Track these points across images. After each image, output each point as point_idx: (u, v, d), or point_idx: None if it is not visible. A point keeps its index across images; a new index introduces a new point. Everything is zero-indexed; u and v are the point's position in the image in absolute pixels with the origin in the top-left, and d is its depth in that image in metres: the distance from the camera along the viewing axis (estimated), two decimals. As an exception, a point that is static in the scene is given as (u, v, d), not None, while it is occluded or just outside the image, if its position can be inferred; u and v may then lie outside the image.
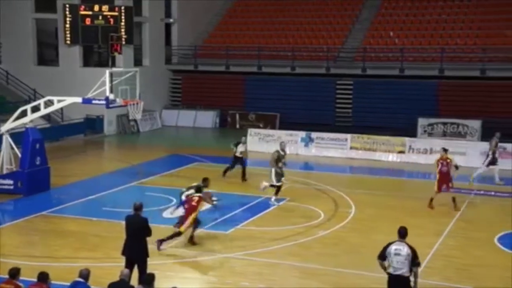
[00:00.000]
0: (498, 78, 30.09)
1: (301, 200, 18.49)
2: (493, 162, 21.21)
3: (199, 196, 14.16)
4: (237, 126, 33.55)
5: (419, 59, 31.93)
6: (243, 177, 20.97)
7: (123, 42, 23.10)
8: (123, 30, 30.99)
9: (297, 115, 32.10)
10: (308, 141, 26.83)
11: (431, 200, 17.75)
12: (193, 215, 13.90)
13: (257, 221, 16.44)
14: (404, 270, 9.59)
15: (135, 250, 11.43)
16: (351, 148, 26.22)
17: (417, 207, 18.10)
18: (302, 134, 26.98)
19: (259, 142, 27.21)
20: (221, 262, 13.51)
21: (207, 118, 34.63)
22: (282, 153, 18.49)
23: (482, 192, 20.17)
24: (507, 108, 29.86)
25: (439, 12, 34.45)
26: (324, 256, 13.78)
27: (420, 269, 9.83)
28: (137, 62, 33.05)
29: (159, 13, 35.48)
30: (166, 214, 16.44)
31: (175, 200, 17.29)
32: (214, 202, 15.93)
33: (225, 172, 21.18)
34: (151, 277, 9.42)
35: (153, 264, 11.87)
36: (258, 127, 31.15)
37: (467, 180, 20.85)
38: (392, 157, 25.53)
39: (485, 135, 28.07)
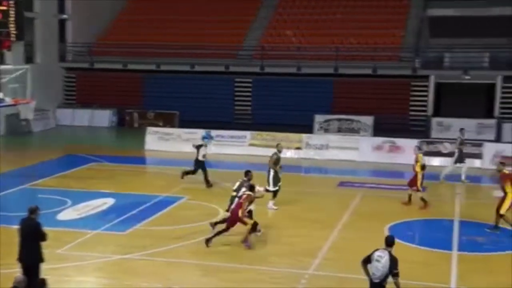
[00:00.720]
0: (388, 76, 31.54)
1: (201, 198, 18.50)
2: (460, 159, 21.57)
3: (248, 194, 14.27)
4: (135, 125, 33.06)
5: (315, 57, 32.83)
6: (208, 183, 19.96)
7: (13, 39, 22.09)
8: (12, 25, 29.52)
9: (196, 113, 32.05)
10: (208, 139, 26.82)
11: (423, 199, 17.80)
12: (239, 213, 13.92)
13: (156, 221, 16.28)
14: (380, 278, 9.63)
15: (28, 255, 10.99)
16: (250, 145, 26.56)
17: (314, 201, 18.64)
18: (202, 132, 26.96)
19: (159, 141, 26.97)
20: (119, 263, 13.27)
21: (103, 117, 33.87)
22: (280, 155, 18.27)
23: (373, 185, 21.06)
24: (397, 105, 31.41)
25: (334, 12, 35.55)
26: (225, 254, 13.87)
27: (399, 279, 9.62)
28: (29, 59, 31.74)
29: (52, 9, 34.23)
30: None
31: (70, 202, 16.78)
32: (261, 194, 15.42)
33: (185, 174, 20.01)
34: (42, 282, 9.08)
35: (49, 268, 11.45)
36: (157, 125, 30.83)
37: (355, 174, 21.66)
38: (290, 153, 26.06)
39: (377, 131, 29.40)
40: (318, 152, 25.75)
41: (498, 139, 28.58)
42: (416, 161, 17.96)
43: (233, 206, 14.32)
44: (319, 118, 31.26)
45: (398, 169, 23.44)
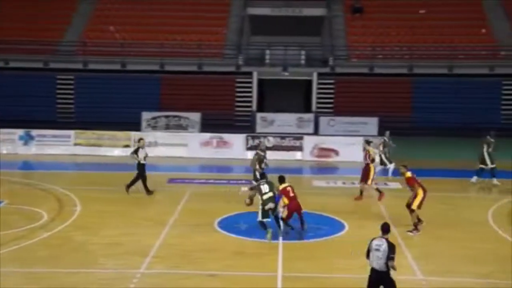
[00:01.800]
0: (213, 73, 32.14)
1: (21, 202, 17.42)
2: (384, 162, 22.11)
3: (290, 186, 14.89)
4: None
5: (141, 54, 32.42)
6: (148, 189, 18.52)
7: None
8: None
9: (14, 112, 30.08)
10: (27, 139, 25.39)
11: (378, 190, 18.13)
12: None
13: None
14: (381, 265, 9.93)
15: None
16: (75, 144, 25.59)
17: (144, 199, 18.41)
18: (20, 132, 25.43)
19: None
20: None
21: None
22: (262, 154, 17.37)
23: (203, 181, 21.33)
24: (223, 101, 32.14)
25: (159, 8, 35.34)
26: (49, 259, 13.18)
27: (394, 263, 9.92)
28: None
29: None
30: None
31: None
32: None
33: (130, 185, 18.39)
34: None
35: None
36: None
37: (185, 170, 21.82)
38: (118, 152, 25.55)
39: (205, 127, 29.84)
40: (147, 149, 25.41)
41: (316, 132, 30.44)
42: (368, 156, 18.33)
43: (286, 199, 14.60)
44: (146, 116, 30.95)
45: (226, 164, 24.02)
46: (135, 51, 32.43)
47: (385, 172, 22.18)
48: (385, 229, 10.25)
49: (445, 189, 19.68)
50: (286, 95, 33.64)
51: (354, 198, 18.56)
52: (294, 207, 14.80)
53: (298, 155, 25.18)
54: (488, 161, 20.43)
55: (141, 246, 13.88)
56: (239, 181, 21.33)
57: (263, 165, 17.53)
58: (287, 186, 15.01)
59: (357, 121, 30.56)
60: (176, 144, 25.72)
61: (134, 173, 18.62)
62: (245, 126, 31.06)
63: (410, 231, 15.16)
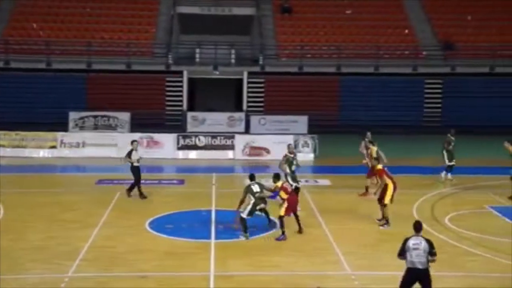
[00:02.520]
0: (143, 72, 31.72)
1: None
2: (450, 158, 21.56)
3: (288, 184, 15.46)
4: None
5: (67, 52, 31.57)
6: (142, 192, 18.19)
7: None
8: None
9: None
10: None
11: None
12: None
13: None
14: (422, 263, 10.02)
15: None
16: (-2, 145, 24.66)
17: (72, 201, 17.97)
18: None
19: None
20: None
21: None
22: (291, 155, 17.01)
23: (133, 181, 20.95)
24: (153, 100, 31.79)
25: (84, 6, 34.53)
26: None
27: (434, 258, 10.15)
28: None
29: None
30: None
31: None
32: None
33: (130, 189, 18.20)
34: None
35: None
36: None
37: (114, 170, 21.43)
38: (43, 153, 24.86)
39: (135, 127, 29.41)
40: (74, 151, 24.91)
41: (247, 131, 30.58)
42: (370, 155, 18.41)
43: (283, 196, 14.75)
44: (73, 115, 30.17)
45: (157, 164, 23.77)
46: (61, 50, 31.55)
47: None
48: (418, 227, 10.36)
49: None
50: (217, 94, 33.62)
51: (359, 194, 18.71)
52: (292, 202, 14.96)
53: (230, 154, 25.22)
54: (446, 158, 20.87)
55: (69, 250, 13.55)
56: (171, 181, 21.18)
57: (293, 167, 17.18)
58: (284, 183, 15.30)
59: (287, 120, 30.91)
60: (105, 145, 25.22)
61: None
62: (176, 125, 30.83)
63: (382, 225, 15.61)
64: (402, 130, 28.79)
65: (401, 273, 12.56)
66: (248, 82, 32.56)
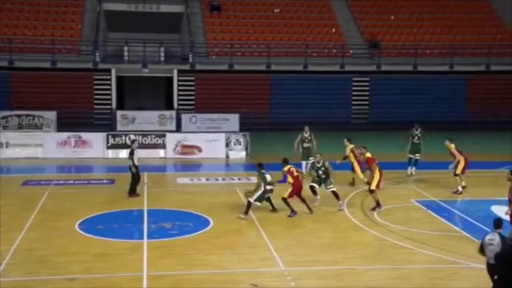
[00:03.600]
0: (69, 70, 30.91)
1: None
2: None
3: (293, 167, 16.21)
4: None
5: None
6: (135, 191, 18.32)
7: None
8: None
9: None
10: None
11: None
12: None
13: None
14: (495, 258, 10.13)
15: None
16: None
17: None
18: None
19: None
20: None
21: None
22: (317, 164, 17.22)
23: (61, 182, 20.45)
24: (81, 99, 31.04)
25: (3, 1, 33.28)
26: None
27: None
28: None
29: None
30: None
31: None
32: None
33: (133, 190, 18.24)
34: None
35: None
36: None
37: (41, 171, 20.85)
38: (-37, 154, 23.82)
39: (61, 126, 28.65)
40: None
41: (178, 129, 30.35)
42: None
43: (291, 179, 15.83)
44: (-5, 115, 29.08)
45: (86, 164, 23.24)
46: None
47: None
48: (498, 224, 10.60)
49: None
50: (146, 93, 33.19)
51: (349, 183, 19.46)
52: (298, 186, 16.19)
53: (161, 152, 24.95)
54: (408, 151, 21.40)
55: (-6, 254, 13.05)
56: (101, 181, 20.76)
57: (320, 172, 17.19)
58: (290, 167, 16.34)
59: (219, 118, 30.90)
60: (30, 145, 24.45)
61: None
62: (105, 124, 30.22)
63: (373, 209, 16.65)
64: (331, 127, 29.33)
65: (332, 268, 12.83)
66: (179, 80, 32.31)
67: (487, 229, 12.89)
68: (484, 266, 10.51)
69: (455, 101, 33.36)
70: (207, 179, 21.18)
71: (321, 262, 13.06)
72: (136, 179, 18.41)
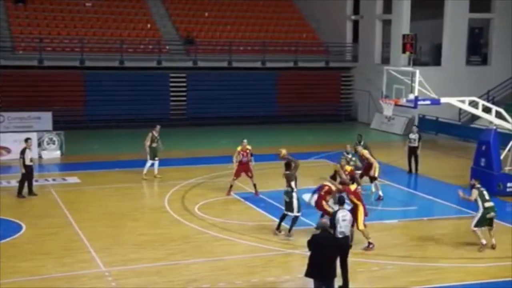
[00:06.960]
0: None
1: None
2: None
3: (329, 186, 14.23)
4: None
5: None
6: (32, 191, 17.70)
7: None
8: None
9: None
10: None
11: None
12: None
13: None
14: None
15: None
16: None
17: None
18: None
19: None
20: None
21: None
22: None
23: None
24: None
25: None
26: None
27: None
28: None
29: None
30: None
31: None
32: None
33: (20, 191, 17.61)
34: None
35: None
36: None
37: None
38: None
39: None
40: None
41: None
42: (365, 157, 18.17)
43: (315, 198, 14.24)
44: None
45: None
46: None
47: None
48: (341, 201, 11.88)
49: (122, 181, 20.10)
50: None
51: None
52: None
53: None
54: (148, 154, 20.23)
55: None
56: None
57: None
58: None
59: (29, 116, 29.09)
60: None
61: None
62: None
63: (378, 199, 17.72)
64: (151, 123, 29.10)
65: (154, 264, 12.83)
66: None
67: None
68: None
69: (267, 96, 34.87)
70: (18, 182, 19.86)
71: (143, 260, 12.96)
72: (25, 179, 17.75)
